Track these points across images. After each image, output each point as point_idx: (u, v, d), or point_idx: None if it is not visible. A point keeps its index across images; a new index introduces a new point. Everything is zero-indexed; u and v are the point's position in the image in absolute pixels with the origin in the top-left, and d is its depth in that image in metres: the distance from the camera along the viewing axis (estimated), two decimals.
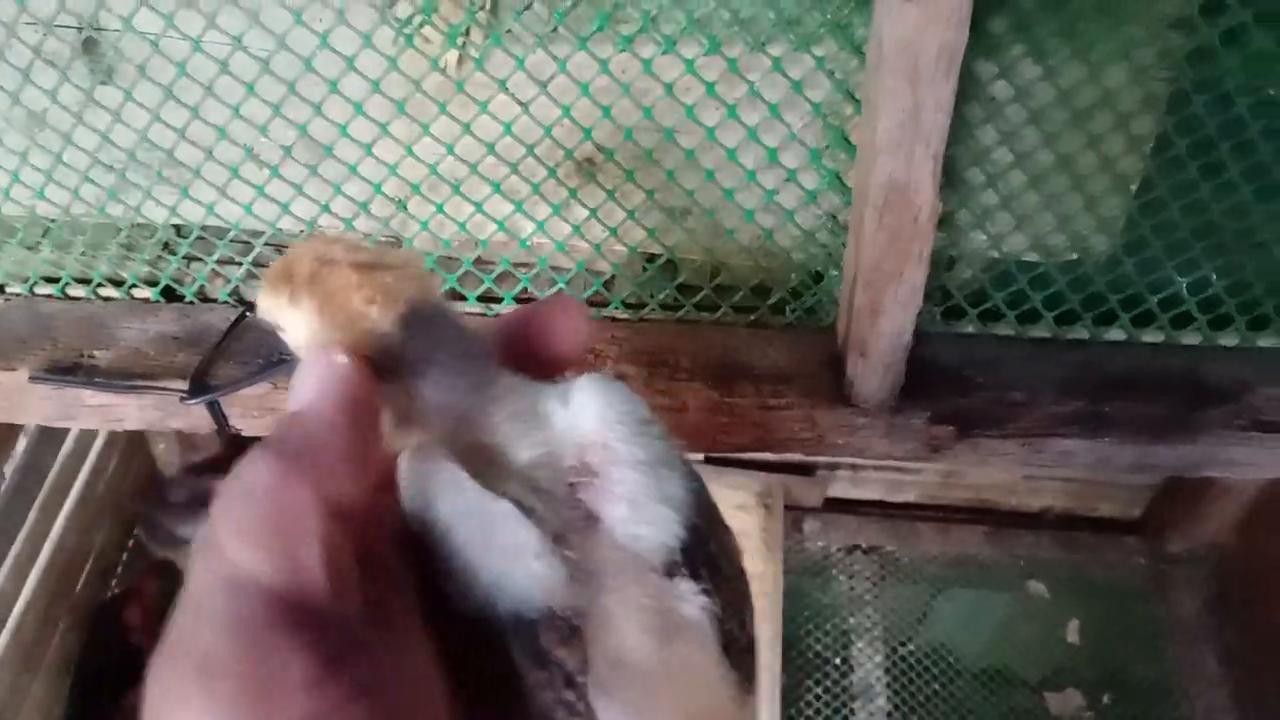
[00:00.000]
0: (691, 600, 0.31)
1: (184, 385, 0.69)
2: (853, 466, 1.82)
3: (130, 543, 1.69)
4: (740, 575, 0.34)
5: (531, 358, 0.32)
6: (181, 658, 0.23)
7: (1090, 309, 0.73)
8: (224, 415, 0.69)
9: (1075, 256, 0.72)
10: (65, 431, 1.51)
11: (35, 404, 0.71)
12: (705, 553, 0.31)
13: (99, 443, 1.58)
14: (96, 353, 0.72)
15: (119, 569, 1.64)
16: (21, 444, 1.43)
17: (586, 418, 0.31)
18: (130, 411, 0.71)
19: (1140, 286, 0.72)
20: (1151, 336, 0.73)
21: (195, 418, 0.70)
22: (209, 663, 0.22)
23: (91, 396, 0.70)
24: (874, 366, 0.64)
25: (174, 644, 0.24)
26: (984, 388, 0.67)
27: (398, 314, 0.29)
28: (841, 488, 1.86)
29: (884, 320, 0.62)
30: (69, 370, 0.70)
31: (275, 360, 0.70)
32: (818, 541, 1.83)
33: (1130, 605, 1.74)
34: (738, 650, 0.32)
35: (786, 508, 1.80)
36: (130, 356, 0.72)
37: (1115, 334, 0.74)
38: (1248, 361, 0.70)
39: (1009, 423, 0.66)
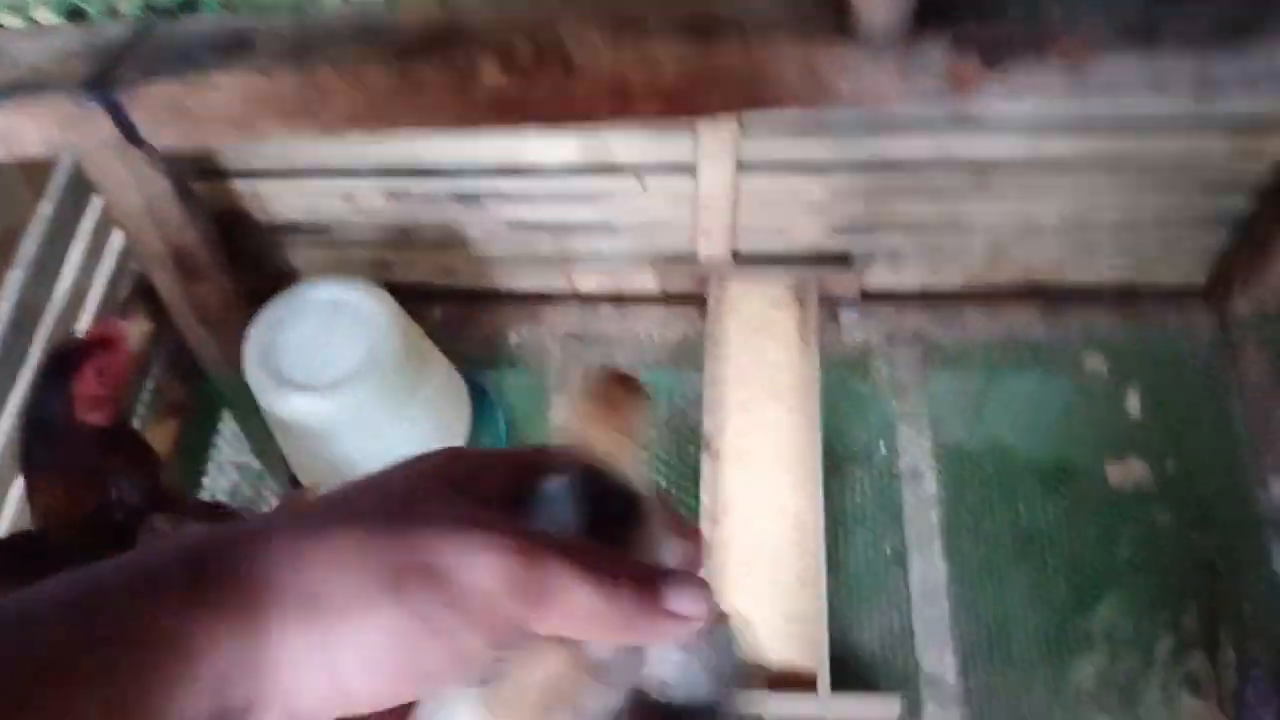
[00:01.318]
0: None
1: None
2: (891, 251, 1.71)
3: None
4: None
5: None
6: None
7: None
8: (129, 120, 0.60)
9: None
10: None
11: None
12: None
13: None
14: None
15: None
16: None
17: None
18: (29, 133, 0.62)
19: None
20: None
21: (102, 131, 0.62)
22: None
23: None
24: None
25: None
26: (1014, 4, 0.56)
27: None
28: (879, 276, 1.75)
29: None
30: None
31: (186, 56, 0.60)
32: (856, 333, 1.73)
33: (1195, 372, 1.64)
34: None
35: (822, 300, 1.71)
36: (30, 74, 0.63)
37: None
38: None
39: (1047, 44, 0.55)
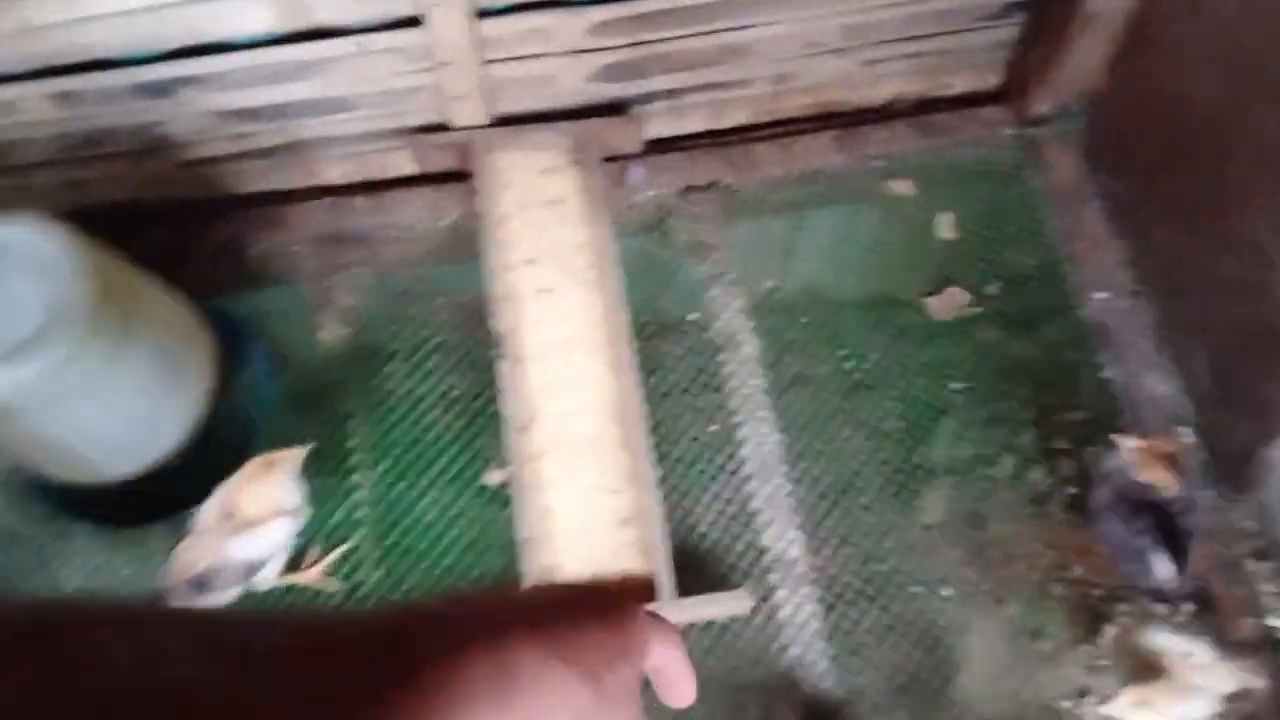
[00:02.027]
0: None
1: None
2: (669, 93, 1.52)
3: None
4: None
5: None
6: None
7: None
8: None
9: None
10: None
11: None
12: None
13: None
14: None
15: None
16: None
17: None
18: None
19: None
20: None
21: None
22: None
23: None
24: None
25: None
26: None
27: None
28: (662, 124, 1.56)
29: None
30: None
31: None
32: (646, 191, 1.55)
33: (1004, 182, 1.54)
34: None
35: (604, 160, 1.51)
36: None
37: None
38: None
39: None
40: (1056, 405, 1.41)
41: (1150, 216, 1.40)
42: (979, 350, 1.44)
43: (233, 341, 1.40)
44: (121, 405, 1.19)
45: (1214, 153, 1.26)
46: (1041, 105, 1.54)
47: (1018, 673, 1.26)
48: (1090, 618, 1.28)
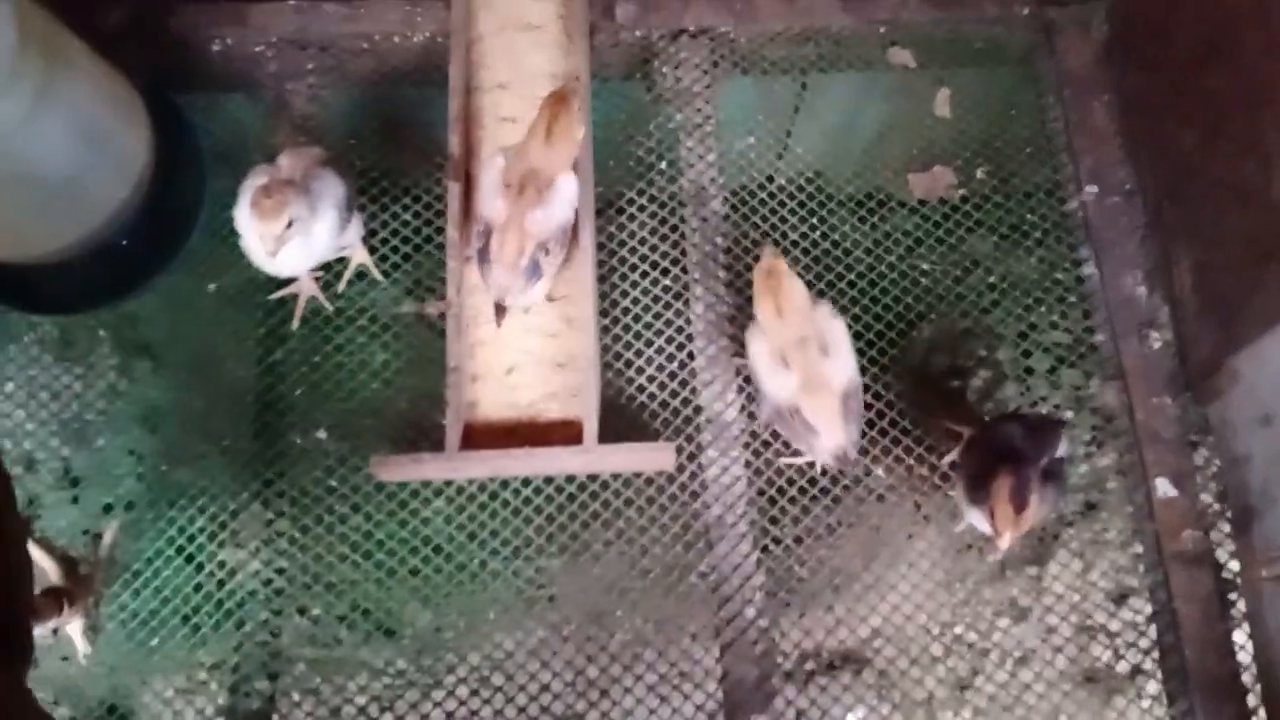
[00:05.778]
0: None
1: None
2: None
3: None
4: None
5: None
6: None
7: None
8: None
9: None
10: None
11: None
12: None
13: None
14: None
15: None
16: None
17: None
18: None
19: None
20: None
21: None
22: None
23: None
24: None
25: None
26: None
27: None
28: None
29: None
30: None
31: None
32: (635, 30, 1.45)
33: (1011, 64, 1.44)
34: None
35: None
36: None
37: None
38: None
39: None
40: (1036, 310, 1.33)
41: (1171, 115, 1.30)
42: (960, 242, 1.36)
43: (174, 134, 1.34)
44: (43, 162, 1.13)
45: (1249, 49, 1.16)
46: None
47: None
48: None
